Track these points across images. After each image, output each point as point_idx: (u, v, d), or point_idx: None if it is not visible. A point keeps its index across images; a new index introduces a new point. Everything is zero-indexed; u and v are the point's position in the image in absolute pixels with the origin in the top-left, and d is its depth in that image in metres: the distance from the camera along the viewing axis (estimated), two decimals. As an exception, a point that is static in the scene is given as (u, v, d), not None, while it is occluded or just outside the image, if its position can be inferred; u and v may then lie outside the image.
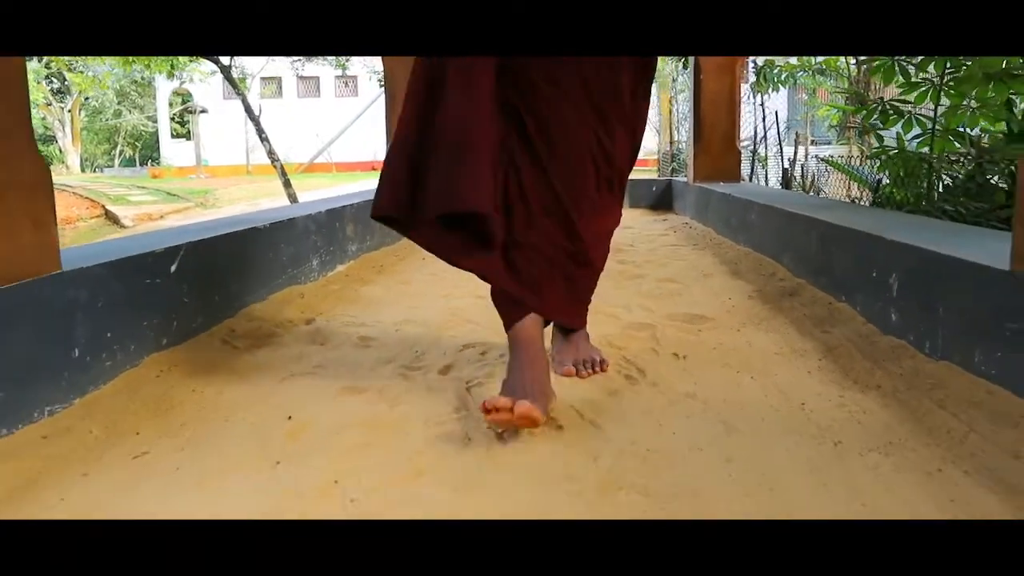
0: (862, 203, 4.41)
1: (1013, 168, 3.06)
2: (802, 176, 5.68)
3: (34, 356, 1.30)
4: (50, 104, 25.08)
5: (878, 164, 4.20)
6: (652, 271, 2.82)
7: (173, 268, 1.77)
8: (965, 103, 3.36)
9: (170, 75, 14.22)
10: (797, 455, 1.15)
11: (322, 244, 2.78)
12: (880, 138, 4.34)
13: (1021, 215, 1.24)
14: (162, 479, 1.12)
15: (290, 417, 1.35)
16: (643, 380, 1.53)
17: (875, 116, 4.34)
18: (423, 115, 1.34)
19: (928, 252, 1.56)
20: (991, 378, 1.30)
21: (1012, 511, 0.96)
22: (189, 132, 23.42)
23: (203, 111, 20.88)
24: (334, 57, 8.37)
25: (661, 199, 5.65)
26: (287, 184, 7.59)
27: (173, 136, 24.24)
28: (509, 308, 1.43)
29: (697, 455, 1.16)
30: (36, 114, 24.06)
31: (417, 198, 1.34)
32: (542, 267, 1.42)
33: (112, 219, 11.31)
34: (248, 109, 7.26)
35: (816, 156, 5.82)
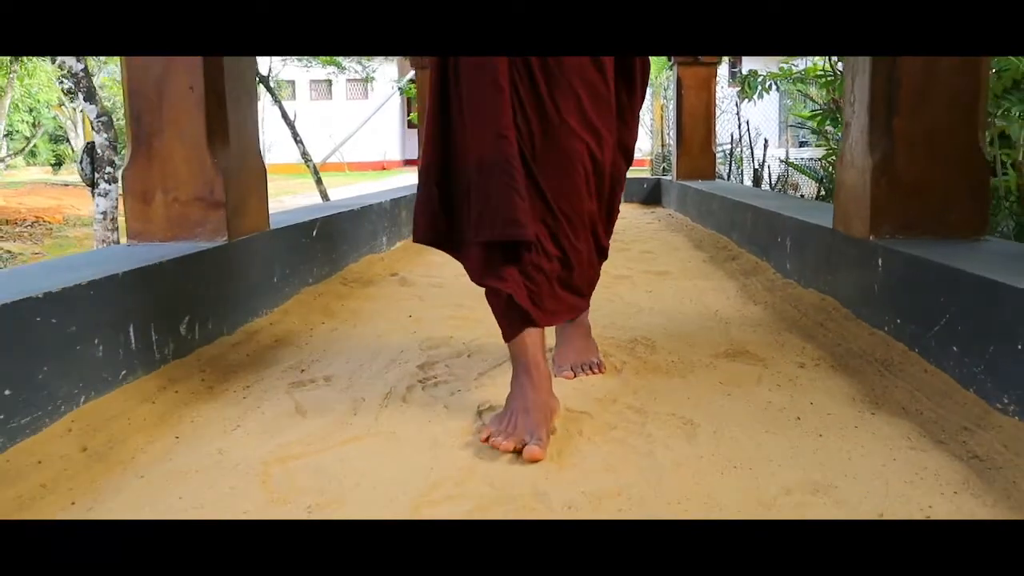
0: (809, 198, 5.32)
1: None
2: (768, 175, 6.60)
3: (258, 279, 2.21)
4: (62, 104, 26.00)
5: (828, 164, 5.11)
6: (636, 246, 3.72)
7: (314, 233, 2.69)
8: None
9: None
10: (702, 326, 2.06)
11: (388, 224, 3.69)
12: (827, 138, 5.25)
13: (836, 195, 2.15)
14: (350, 336, 2.03)
15: (411, 316, 2.26)
16: (620, 301, 2.44)
17: (827, 121, 5.28)
18: (442, 139, 1.38)
19: (800, 221, 2.48)
20: (825, 292, 2.20)
21: (797, 348, 1.86)
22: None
23: (221, 113, 21.77)
24: (359, 65, 9.25)
25: (651, 195, 6.56)
26: (319, 182, 8.53)
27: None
28: (511, 322, 1.38)
29: (647, 326, 2.07)
30: (48, 114, 24.77)
31: (457, 223, 1.39)
32: (543, 283, 1.39)
33: (148, 214, 12.25)
34: (284, 115, 8.17)
35: (778, 158, 6.73)
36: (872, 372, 1.61)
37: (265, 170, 2.31)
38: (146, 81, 2.00)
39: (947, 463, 1.18)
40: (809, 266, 2.38)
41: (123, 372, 1.54)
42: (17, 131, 22.73)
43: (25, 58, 13.89)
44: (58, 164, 25.65)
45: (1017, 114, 2.65)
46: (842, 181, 2.09)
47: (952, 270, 1.52)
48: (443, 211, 1.39)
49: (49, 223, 11.35)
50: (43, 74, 17.43)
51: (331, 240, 2.87)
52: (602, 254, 1.56)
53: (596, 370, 1.66)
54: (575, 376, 1.63)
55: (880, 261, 1.83)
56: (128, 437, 1.34)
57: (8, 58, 13.32)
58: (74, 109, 26.26)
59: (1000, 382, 1.31)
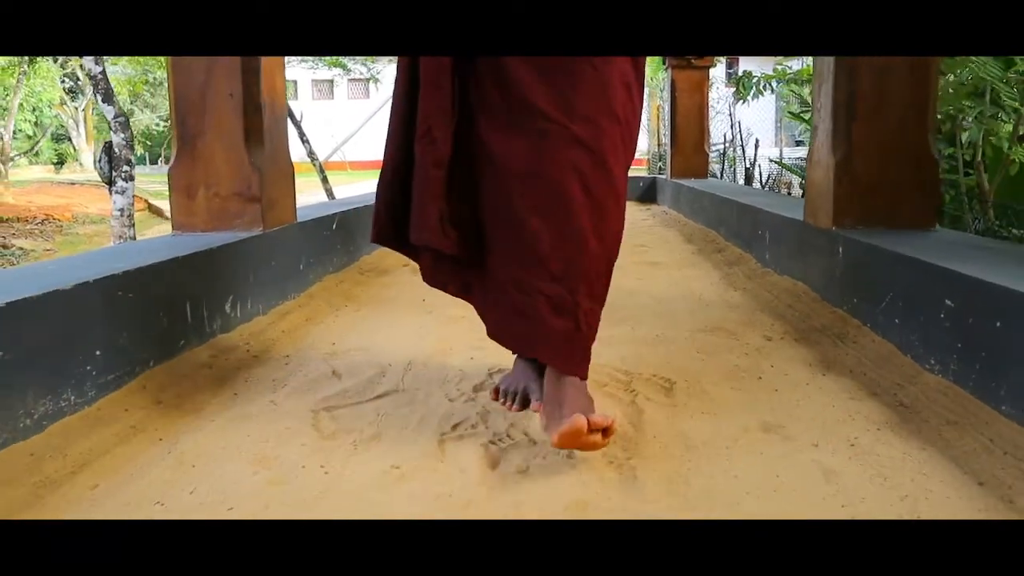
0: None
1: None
2: (759, 174, 6.86)
3: (288, 267, 2.46)
4: (64, 104, 26.18)
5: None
6: (629, 240, 3.95)
7: (333, 227, 2.93)
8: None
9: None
10: (686, 308, 2.32)
11: (398, 220, 3.94)
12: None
13: (807, 191, 2.39)
14: (372, 317, 2.28)
15: (424, 300, 2.51)
16: (613, 287, 2.67)
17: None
18: (400, 143, 1.37)
19: (777, 215, 2.73)
20: (797, 278, 2.45)
21: (767, 325, 2.11)
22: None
23: (224, 112, 22.02)
24: (364, 66, 9.49)
25: (647, 192, 6.81)
26: (324, 180, 8.78)
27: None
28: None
29: (637, 307, 2.32)
30: (50, 113, 25.02)
31: (400, 227, 1.39)
32: (508, 300, 1.29)
33: (156, 212, 12.52)
34: (291, 114, 8.42)
35: (768, 158, 6.99)
36: (828, 343, 1.86)
37: (293, 168, 2.56)
38: (191, 88, 2.24)
39: (876, 409, 1.43)
40: (784, 256, 2.63)
41: (182, 342, 1.79)
42: (20, 130, 22.96)
43: (35, 58, 14.14)
44: (60, 163, 25.86)
45: (975, 117, 2.89)
46: (811, 179, 2.34)
47: (895, 255, 1.77)
48: (391, 214, 1.39)
49: (59, 221, 11.59)
50: (48, 73, 17.68)
51: (348, 233, 3.12)
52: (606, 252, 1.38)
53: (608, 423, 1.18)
54: (589, 427, 1.15)
55: (841, 249, 2.08)
56: (194, 393, 1.59)
57: (18, 58, 13.58)
58: (76, 108, 26.49)
59: (929, 347, 1.56)
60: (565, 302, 1.26)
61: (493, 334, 1.38)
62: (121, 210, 6.11)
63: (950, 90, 3.24)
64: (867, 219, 2.14)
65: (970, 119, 3.28)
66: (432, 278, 1.43)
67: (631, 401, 1.50)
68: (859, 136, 2.11)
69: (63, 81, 26.75)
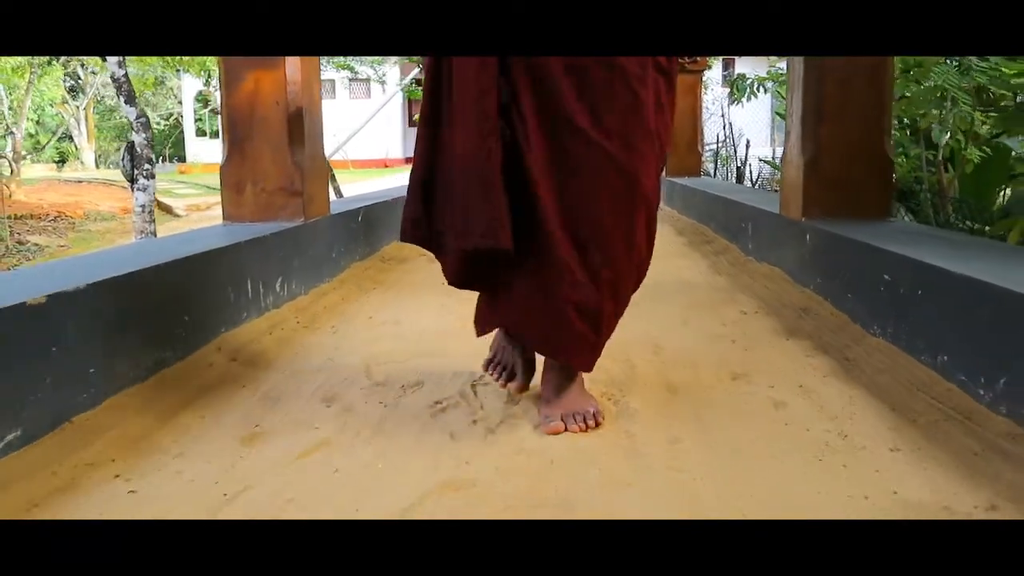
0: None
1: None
2: (750, 172, 7.19)
3: (323, 254, 2.77)
4: (66, 102, 26.37)
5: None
6: (627, 234, 4.30)
7: (359, 219, 3.25)
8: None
9: (198, 73, 15.79)
10: (675, 290, 2.64)
11: (412, 214, 4.27)
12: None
13: (781, 186, 2.71)
14: (399, 297, 2.60)
15: (443, 283, 2.82)
16: (613, 272, 3.01)
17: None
18: (434, 145, 1.37)
19: (758, 209, 3.05)
20: (773, 264, 2.77)
21: (744, 302, 2.44)
22: (217, 131, 24.75)
23: (228, 112, 22.34)
24: (372, 68, 9.79)
25: (643, 191, 7.13)
26: (333, 179, 9.10)
27: (197, 134, 25.73)
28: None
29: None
30: (51, 112, 25.30)
31: (435, 230, 1.39)
32: (536, 303, 1.36)
33: (165, 209, 12.84)
34: (300, 115, 8.74)
35: (757, 157, 7.32)
36: (794, 315, 2.18)
37: (327, 166, 2.88)
38: (241, 97, 2.56)
39: (826, 362, 1.75)
40: (763, 245, 2.96)
41: (244, 313, 2.11)
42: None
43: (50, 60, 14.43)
44: (62, 161, 26.12)
45: (939, 119, 3.20)
46: (784, 176, 2.66)
47: (849, 240, 2.09)
48: (426, 215, 1.40)
49: (71, 218, 11.89)
50: (54, 73, 17.99)
51: (371, 225, 3.44)
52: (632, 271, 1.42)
53: (592, 421, 1.36)
54: (565, 429, 1.35)
55: (808, 237, 2.40)
56: (261, 353, 1.91)
57: (30, 59, 13.87)
58: (77, 107, 26.66)
59: (873, 315, 1.88)
60: (590, 305, 1.33)
61: (514, 331, 1.46)
62: (143, 206, 6.42)
63: (928, 97, 3.55)
64: (832, 211, 2.46)
65: (935, 123, 3.59)
66: (462, 280, 1.48)
67: (625, 359, 1.82)
68: (826, 138, 2.43)
69: (64, 80, 26.96)
